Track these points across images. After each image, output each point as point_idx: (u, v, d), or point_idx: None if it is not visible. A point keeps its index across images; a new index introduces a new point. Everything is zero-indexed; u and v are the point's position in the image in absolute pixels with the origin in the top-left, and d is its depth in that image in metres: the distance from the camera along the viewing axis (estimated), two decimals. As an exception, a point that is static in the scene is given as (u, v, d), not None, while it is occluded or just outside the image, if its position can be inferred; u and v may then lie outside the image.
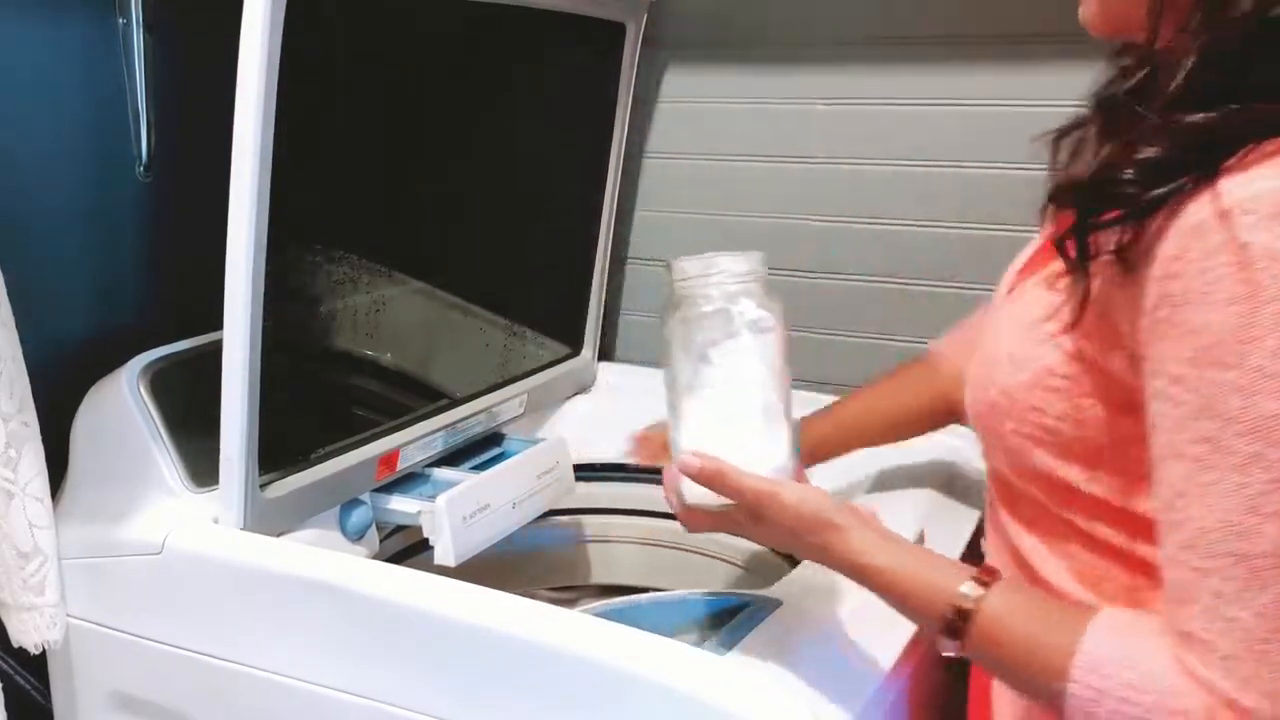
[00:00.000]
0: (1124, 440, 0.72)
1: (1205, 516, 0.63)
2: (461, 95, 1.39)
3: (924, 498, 1.21)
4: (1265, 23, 0.64)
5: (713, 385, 0.83)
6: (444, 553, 1.19)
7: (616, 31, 1.46)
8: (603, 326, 1.60)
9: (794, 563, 1.28)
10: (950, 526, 1.15)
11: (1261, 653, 0.62)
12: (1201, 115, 0.65)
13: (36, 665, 1.18)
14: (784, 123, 1.51)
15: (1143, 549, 0.74)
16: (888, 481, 1.25)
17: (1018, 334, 0.78)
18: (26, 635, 1.08)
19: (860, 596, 1.01)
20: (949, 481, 1.24)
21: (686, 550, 1.44)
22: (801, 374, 1.56)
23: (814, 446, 1.19)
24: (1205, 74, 0.66)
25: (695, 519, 0.88)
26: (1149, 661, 0.65)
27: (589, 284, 1.56)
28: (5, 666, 1.19)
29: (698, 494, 0.84)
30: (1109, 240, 0.69)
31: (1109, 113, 0.81)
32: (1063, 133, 0.89)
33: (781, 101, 1.51)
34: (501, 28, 1.33)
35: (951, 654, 0.75)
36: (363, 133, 1.29)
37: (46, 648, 1.09)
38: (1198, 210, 0.63)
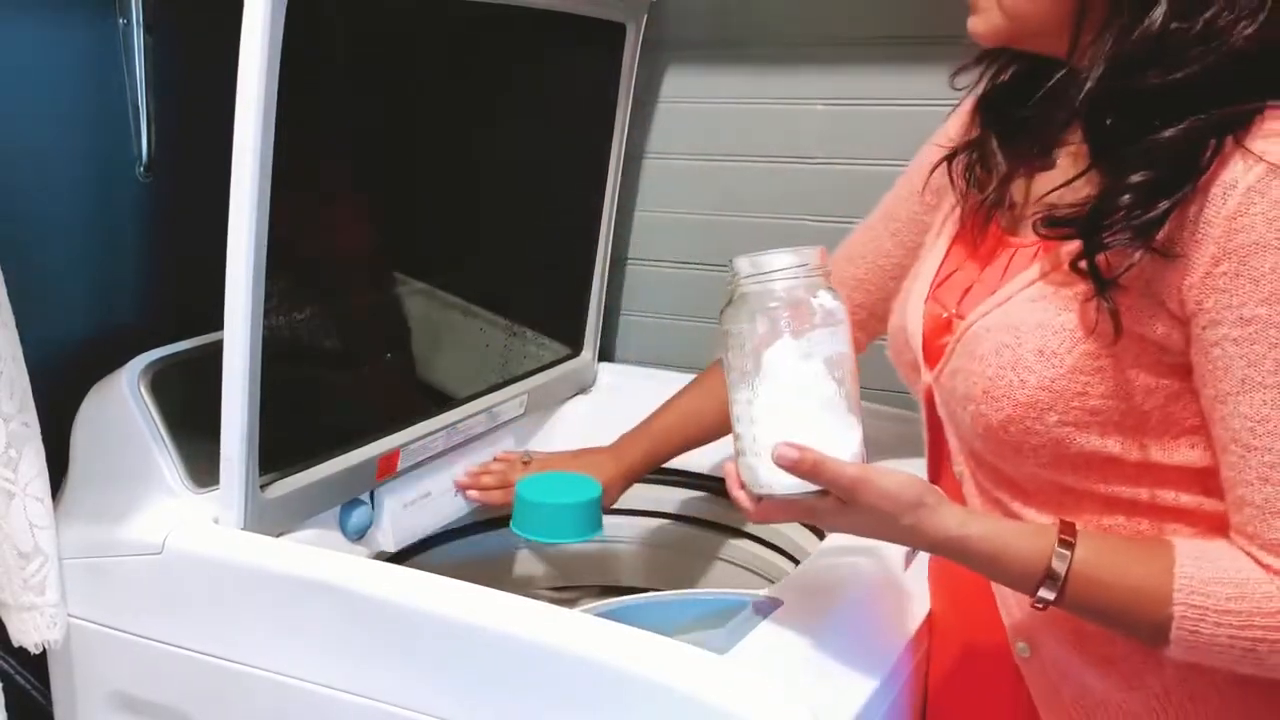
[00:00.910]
0: (1168, 400, 0.79)
1: None
2: (462, 96, 1.39)
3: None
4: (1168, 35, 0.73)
5: (790, 376, 0.83)
6: (383, 538, 1.22)
7: (616, 31, 1.46)
8: (603, 326, 1.60)
9: (795, 562, 1.28)
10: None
11: None
12: (1173, 131, 0.74)
13: (37, 665, 1.18)
14: (784, 123, 1.51)
15: (1184, 499, 0.81)
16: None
17: (1043, 327, 0.81)
18: (27, 635, 1.08)
19: (860, 597, 1.02)
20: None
21: (686, 551, 1.44)
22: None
23: (633, 465, 1.27)
24: (1124, 78, 0.75)
25: (771, 511, 0.87)
26: (1240, 574, 0.75)
27: (589, 284, 1.56)
28: (5, 666, 1.19)
29: (788, 484, 0.83)
30: (1119, 259, 0.76)
31: (1007, 128, 0.91)
32: (953, 155, 0.96)
33: (781, 101, 1.51)
34: (501, 28, 1.33)
35: (1043, 606, 0.80)
36: (363, 133, 1.29)
37: (47, 648, 1.09)
38: (1245, 175, 0.72)
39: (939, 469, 0.97)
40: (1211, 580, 0.75)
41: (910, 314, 0.95)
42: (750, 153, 1.54)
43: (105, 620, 1.12)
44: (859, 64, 1.45)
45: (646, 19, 1.48)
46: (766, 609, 0.98)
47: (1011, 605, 0.90)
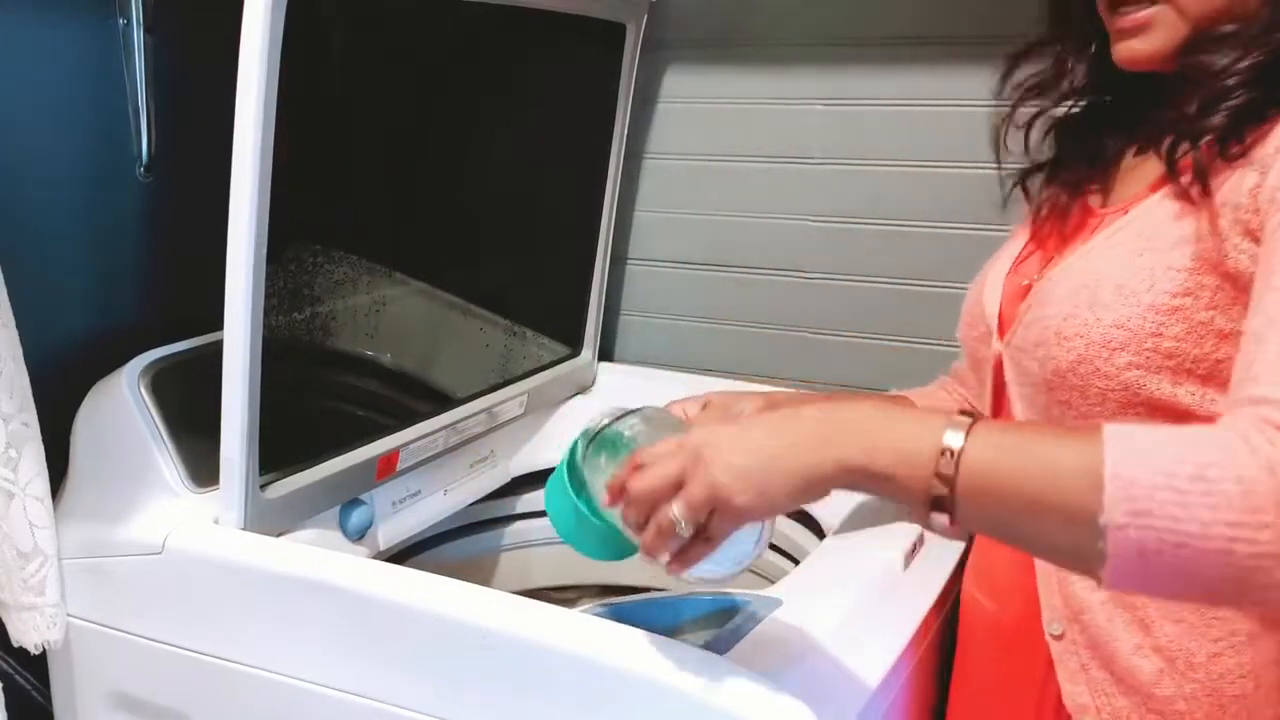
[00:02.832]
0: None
1: None
2: (462, 95, 1.39)
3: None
4: None
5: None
6: (371, 537, 1.22)
7: (616, 32, 1.46)
8: (603, 326, 1.60)
9: (795, 562, 1.28)
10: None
11: None
12: None
13: (37, 665, 1.18)
14: (784, 123, 1.51)
15: None
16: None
17: (1123, 268, 0.81)
18: (27, 635, 1.08)
19: (860, 597, 1.02)
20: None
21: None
22: (802, 374, 1.56)
23: None
24: None
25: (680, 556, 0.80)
26: (1184, 437, 0.62)
27: (589, 284, 1.56)
28: (5, 666, 1.19)
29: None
30: (1217, 135, 0.77)
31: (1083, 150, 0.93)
32: (1026, 175, 1.01)
33: (781, 101, 1.51)
34: (502, 28, 1.33)
35: (944, 515, 0.67)
36: (363, 133, 1.29)
37: (47, 648, 1.09)
38: None
39: None
40: (1152, 448, 0.62)
41: (989, 288, 0.96)
42: (750, 153, 1.54)
43: (105, 620, 1.12)
44: (859, 64, 1.45)
45: (646, 19, 1.48)
46: (766, 609, 0.98)
47: (1053, 584, 0.88)
